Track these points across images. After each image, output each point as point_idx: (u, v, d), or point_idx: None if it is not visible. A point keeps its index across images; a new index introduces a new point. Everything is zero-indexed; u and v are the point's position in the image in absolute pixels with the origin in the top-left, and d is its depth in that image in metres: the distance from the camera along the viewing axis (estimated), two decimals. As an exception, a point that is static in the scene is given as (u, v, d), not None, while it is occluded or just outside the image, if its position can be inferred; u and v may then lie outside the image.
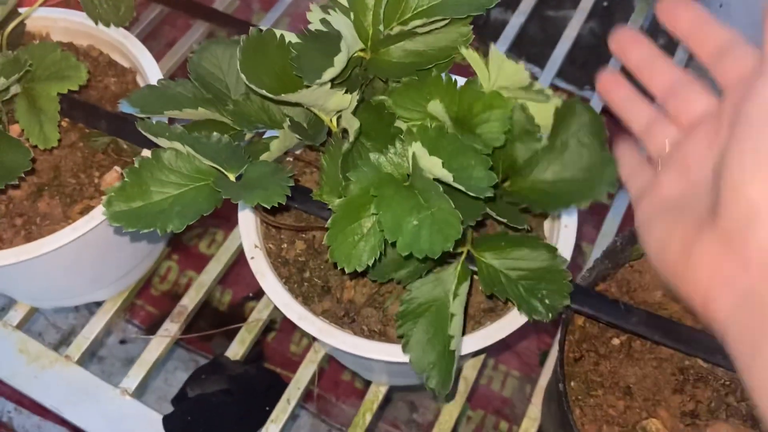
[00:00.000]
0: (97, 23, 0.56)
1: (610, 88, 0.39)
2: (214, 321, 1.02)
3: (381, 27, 0.43)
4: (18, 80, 0.46)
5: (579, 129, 0.40)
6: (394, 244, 0.37)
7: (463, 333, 0.46)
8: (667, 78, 0.37)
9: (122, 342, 1.06)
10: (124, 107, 0.45)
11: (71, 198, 0.55)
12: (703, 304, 0.30)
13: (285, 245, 0.53)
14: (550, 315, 0.41)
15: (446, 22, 0.43)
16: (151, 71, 0.59)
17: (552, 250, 0.43)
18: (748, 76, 0.32)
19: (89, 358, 0.65)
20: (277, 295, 0.49)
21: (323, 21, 0.41)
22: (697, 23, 0.35)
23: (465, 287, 0.43)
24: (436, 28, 0.44)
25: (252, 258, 0.50)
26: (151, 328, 1.06)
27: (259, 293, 0.49)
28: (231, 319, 1.04)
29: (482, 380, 0.98)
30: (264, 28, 0.43)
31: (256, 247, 0.51)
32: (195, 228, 1.05)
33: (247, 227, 0.52)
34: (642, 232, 0.35)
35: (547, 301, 0.41)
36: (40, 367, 0.62)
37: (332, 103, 0.42)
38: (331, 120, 0.45)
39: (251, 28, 0.42)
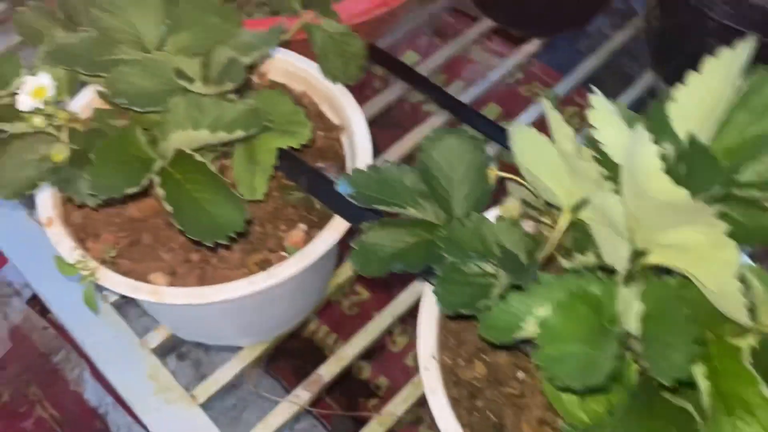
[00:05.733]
0: (326, 77, 0.54)
1: None
2: (345, 388, 0.93)
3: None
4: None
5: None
6: None
7: None
8: None
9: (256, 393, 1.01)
10: (342, 187, 0.42)
11: (252, 246, 0.52)
12: None
13: (462, 361, 0.47)
14: None
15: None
16: (360, 133, 0.56)
17: None
18: None
19: (218, 399, 0.62)
20: (444, 420, 0.44)
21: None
22: None
23: None
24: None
25: (426, 369, 0.45)
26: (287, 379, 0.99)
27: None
28: (364, 392, 0.95)
29: None
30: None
31: (433, 357, 0.46)
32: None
33: (426, 332, 0.47)
34: None
35: None
36: (165, 400, 0.60)
37: None
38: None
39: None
